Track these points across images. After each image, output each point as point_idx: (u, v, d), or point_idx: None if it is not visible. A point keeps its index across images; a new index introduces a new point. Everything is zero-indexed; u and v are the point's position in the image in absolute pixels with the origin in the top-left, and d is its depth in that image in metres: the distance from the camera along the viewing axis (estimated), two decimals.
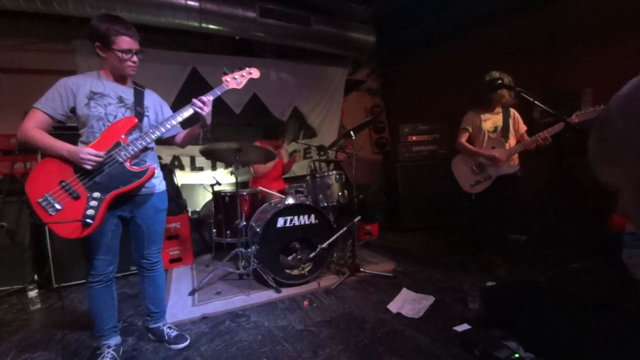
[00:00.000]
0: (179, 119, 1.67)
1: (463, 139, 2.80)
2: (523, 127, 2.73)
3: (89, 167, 1.46)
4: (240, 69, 1.85)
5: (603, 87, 2.93)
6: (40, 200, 1.42)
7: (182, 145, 1.91)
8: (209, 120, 1.73)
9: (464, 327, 1.89)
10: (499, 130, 2.69)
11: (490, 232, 2.81)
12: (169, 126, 1.65)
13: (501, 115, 2.71)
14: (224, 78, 1.79)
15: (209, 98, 1.70)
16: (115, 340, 1.77)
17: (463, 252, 3.17)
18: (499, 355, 1.48)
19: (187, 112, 1.68)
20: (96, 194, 1.50)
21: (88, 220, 1.45)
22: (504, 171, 2.59)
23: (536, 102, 2.25)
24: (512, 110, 2.72)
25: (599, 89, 2.99)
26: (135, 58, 1.62)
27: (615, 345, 1.39)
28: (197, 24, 3.53)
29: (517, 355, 1.47)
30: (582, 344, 1.44)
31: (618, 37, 2.85)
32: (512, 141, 2.65)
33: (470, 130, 2.79)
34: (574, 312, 1.56)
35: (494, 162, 2.59)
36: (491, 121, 2.73)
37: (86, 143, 1.55)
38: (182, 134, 1.88)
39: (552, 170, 3.33)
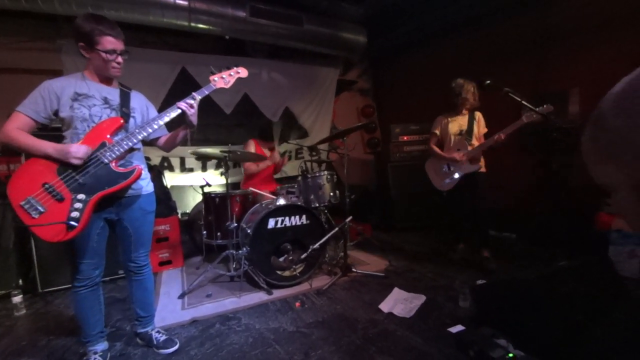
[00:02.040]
0: (166, 119, 1.64)
1: (432, 142, 3.06)
2: (483, 130, 2.93)
3: (78, 162, 1.43)
4: (228, 68, 1.83)
5: (591, 87, 2.99)
6: (22, 203, 1.38)
7: (165, 149, 1.88)
8: (195, 121, 1.70)
9: (458, 327, 1.89)
10: (464, 133, 2.90)
11: (467, 224, 3.05)
12: (155, 126, 1.62)
13: (467, 118, 2.91)
14: (211, 77, 1.77)
15: (196, 97, 1.67)
16: (102, 345, 1.74)
17: (446, 245, 3.36)
18: (494, 355, 1.49)
19: (175, 112, 1.65)
20: (81, 196, 1.46)
21: (72, 223, 1.42)
22: (467, 170, 2.80)
23: (523, 101, 2.29)
24: (478, 114, 2.93)
25: (587, 89, 3.05)
26: (120, 59, 1.58)
27: (612, 345, 1.41)
28: (186, 23, 3.48)
29: (510, 355, 1.47)
30: (578, 345, 1.45)
31: (607, 38, 2.90)
32: (475, 143, 2.84)
33: (439, 133, 3.03)
34: (563, 309, 1.58)
35: (454, 163, 2.84)
36: (457, 124, 2.94)
37: None
38: (165, 137, 1.85)
39: (540, 170, 3.38)
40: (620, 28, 2.80)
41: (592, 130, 0.44)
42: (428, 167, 3.15)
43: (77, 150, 1.43)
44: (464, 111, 2.93)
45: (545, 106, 2.35)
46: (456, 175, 2.84)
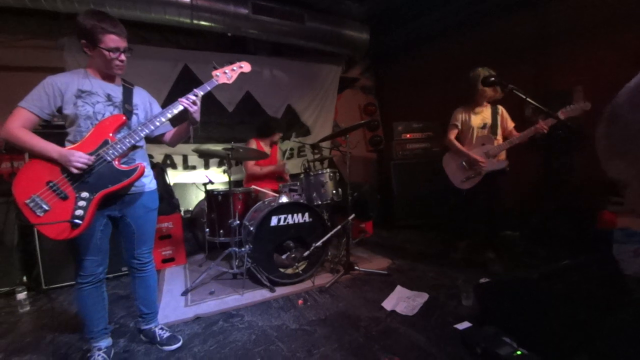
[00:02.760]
0: (169, 115, 1.63)
1: (452, 135, 2.86)
2: (511, 124, 2.78)
3: (76, 170, 1.43)
4: (231, 63, 1.81)
5: (593, 86, 2.96)
6: (27, 201, 1.38)
7: (172, 144, 1.88)
8: (198, 117, 1.70)
9: (465, 324, 1.89)
10: (488, 126, 2.74)
11: (482, 227, 2.89)
12: (158, 123, 1.62)
13: (490, 111, 2.76)
14: (214, 73, 1.76)
15: (198, 94, 1.66)
16: (106, 342, 1.74)
17: (446, 244, 3.31)
18: (501, 353, 1.48)
19: (177, 109, 1.64)
20: (84, 194, 1.46)
21: (77, 221, 1.42)
22: (493, 167, 2.64)
23: (528, 99, 2.26)
24: (500, 107, 2.78)
25: (589, 87, 3.02)
26: (122, 57, 1.58)
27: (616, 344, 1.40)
28: (188, 21, 3.48)
29: (518, 353, 1.47)
30: (582, 343, 1.45)
31: (610, 36, 2.87)
32: (499, 138, 2.71)
33: (460, 126, 2.84)
34: (566, 308, 1.58)
35: (477, 166, 2.66)
36: (480, 117, 2.78)
37: (73, 142, 1.52)
38: (170, 132, 1.85)
39: (543, 168, 3.36)
40: (624, 26, 2.77)
41: (606, 126, 0.44)
42: (446, 163, 2.92)
43: (79, 159, 1.42)
44: (485, 104, 2.77)
45: (584, 103, 2.24)
46: (480, 172, 2.67)
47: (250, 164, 3.37)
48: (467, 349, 1.67)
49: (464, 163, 2.78)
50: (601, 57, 2.92)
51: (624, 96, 0.42)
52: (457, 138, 2.87)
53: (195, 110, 1.65)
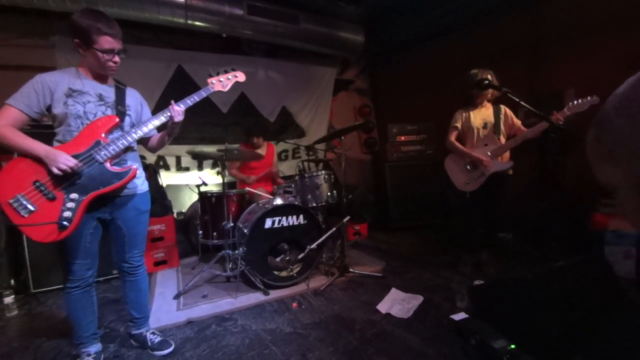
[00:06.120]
0: (163, 119, 1.64)
1: (452, 137, 2.77)
2: (518, 122, 2.69)
3: (57, 172, 1.37)
4: (226, 71, 1.85)
5: (586, 88, 2.99)
6: (11, 201, 1.33)
7: (152, 150, 1.85)
8: (177, 129, 1.71)
9: (461, 315, 1.90)
10: (490, 126, 2.66)
11: (481, 231, 2.81)
12: (151, 126, 1.60)
13: (491, 110, 2.68)
14: (209, 80, 1.78)
15: (181, 106, 1.67)
16: (95, 347, 1.71)
17: (452, 252, 3.14)
18: (495, 346, 1.49)
19: (166, 116, 1.64)
20: (74, 195, 1.43)
21: (64, 223, 1.38)
22: (498, 168, 2.56)
23: (522, 102, 2.27)
24: (503, 107, 2.69)
25: (582, 90, 3.05)
26: (117, 58, 1.55)
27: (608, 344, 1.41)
28: (182, 21, 3.45)
29: (513, 346, 1.47)
30: (575, 344, 1.45)
31: (602, 38, 2.90)
32: (502, 139, 2.63)
33: (460, 127, 2.77)
34: (560, 309, 1.58)
35: (481, 166, 2.57)
36: (480, 117, 2.70)
37: (63, 142, 1.49)
38: (155, 137, 1.82)
39: (536, 170, 3.39)
40: (615, 29, 2.80)
41: (595, 131, 0.44)
42: (448, 165, 2.82)
43: (66, 161, 1.37)
44: (485, 103, 2.70)
45: (591, 97, 2.17)
46: (484, 173, 2.56)
47: (232, 167, 3.36)
48: (462, 339, 1.68)
49: (467, 165, 2.69)
50: (595, 60, 2.94)
51: (612, 102, 0.42)
52: (459, 140, 2.79)
53: (179, 120, 1.65)
